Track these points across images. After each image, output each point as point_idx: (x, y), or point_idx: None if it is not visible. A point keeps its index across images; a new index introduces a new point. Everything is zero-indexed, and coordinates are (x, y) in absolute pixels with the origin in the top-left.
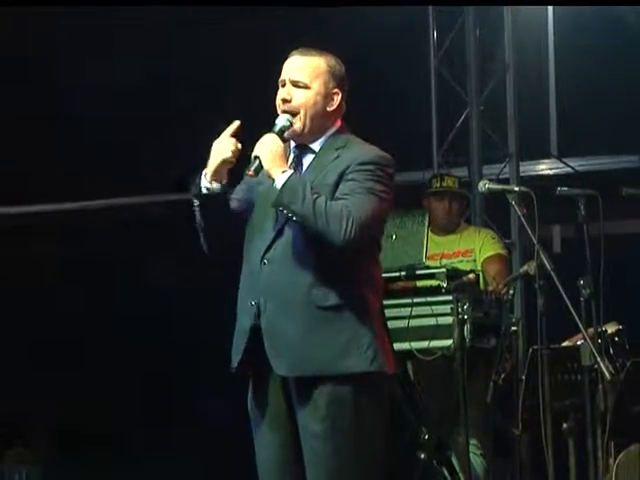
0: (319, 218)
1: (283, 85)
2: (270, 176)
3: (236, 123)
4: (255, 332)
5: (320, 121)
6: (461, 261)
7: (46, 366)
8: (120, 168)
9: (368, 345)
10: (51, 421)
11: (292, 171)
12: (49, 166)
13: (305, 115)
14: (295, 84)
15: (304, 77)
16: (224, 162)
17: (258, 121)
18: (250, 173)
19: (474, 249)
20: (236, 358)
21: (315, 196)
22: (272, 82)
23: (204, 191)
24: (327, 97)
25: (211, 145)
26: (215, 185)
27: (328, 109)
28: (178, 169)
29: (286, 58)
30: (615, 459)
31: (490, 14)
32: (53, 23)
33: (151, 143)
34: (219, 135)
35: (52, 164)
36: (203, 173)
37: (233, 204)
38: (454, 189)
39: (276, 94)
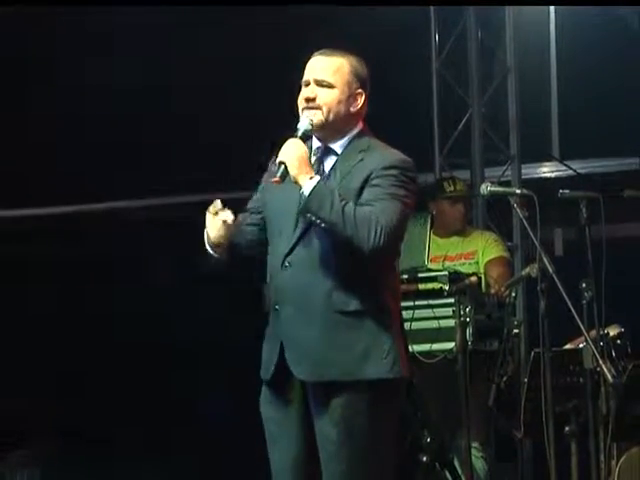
0: (348, 225)
1: (307, 85)
2: (297, 182)
3: (216, 202)
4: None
5: (343, 121)
6: (464, 264)
7: (46, 367)
8: (120, 169)
9: (388, 351)
10: (52, 423)
11: (319, 177)
12: (49, 167)
13: (329, 112)
14: (320, 83)
15: (329, 76)
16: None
17: (258, 121)
18: (276, 179)
19: (477, 251)
20: (270, 367)
21: (343, 203)
22: (273, 82)
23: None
24: (350, 97)
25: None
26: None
27: (352, 110)
28: (179, 170)
29: (308, 59)
30: (617, 462)
31: (491, 16)
32: (53, 23)
33: (151, 144)
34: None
35: (52, 165)
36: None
37: (251, 218)
38: (465, 193)
39: (295, 95)
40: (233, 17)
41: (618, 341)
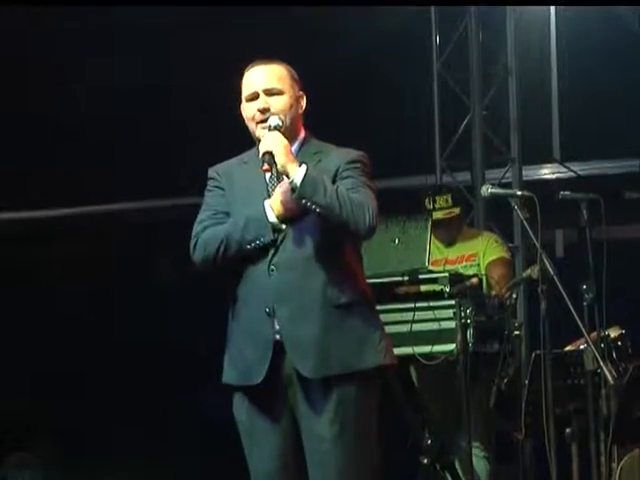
0: (344, 206)
1: (254, 98)
2: (284, 171)
3: None
4: (276, 341)
5: (295, 125)
6: (465, 266)
7: (46, 368)
8: (120, 169)
9: (379, 339)
10: (52, 424)
11: (305, 165)
12: (49, 168)
13: (285, 117)
14: (269, 92)
15: (275, 84)
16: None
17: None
18: (266, 168)
19: (477, 253)
20: (261, 372)
21: (336, 186)
22: None
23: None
24: (297, 100)
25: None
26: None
27: (299, 112)
28: (178, 170)
29: (242, 74)
30: (618, 464)
31: (492, 18)
32: (53, 23)
33: (151, 145)
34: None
35: (52, 166)
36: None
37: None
38: (445, 213)
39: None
40: (234, 17)
41: (619, 343)
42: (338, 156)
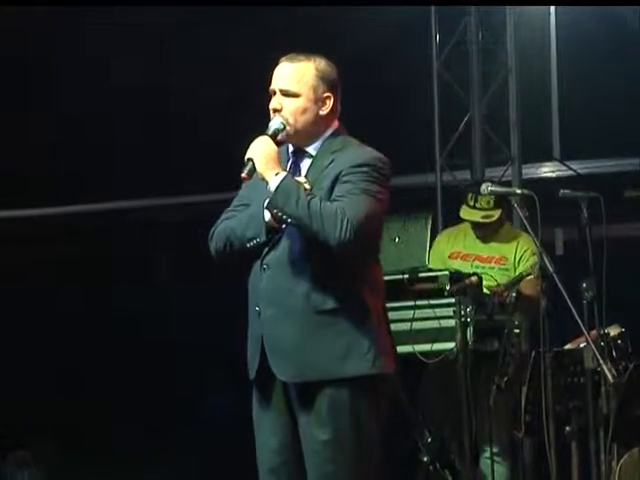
0: (314, 219)
1: (274, 94)
2: (263, 178)
3: None
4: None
5: (313, 126)
6: (493, 268)
7: (46, 369)
8: (120, 168)
9: (368, 348)
10: (52, 423)
11: (285, 173)
12: (48, 167)
13: (296, 122)
14: (285, 93)
15: (293, 85)
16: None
17: (257, 123)
18: (244, 176)
19: (509, 259)
20: (254, 367)
21: (309, 197)
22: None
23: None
24: (318, 102)
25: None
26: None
27: (321, 113)
28: (178, 169)
29: (275, 65)
30: (618, 462)
31: (492, 17)
32: (53, 23)
33: (151, 145)
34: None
35: (51, 164)
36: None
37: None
38: (482, 216)
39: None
40: (234, 17)
41: (619, 341)
42: (349, 157)
